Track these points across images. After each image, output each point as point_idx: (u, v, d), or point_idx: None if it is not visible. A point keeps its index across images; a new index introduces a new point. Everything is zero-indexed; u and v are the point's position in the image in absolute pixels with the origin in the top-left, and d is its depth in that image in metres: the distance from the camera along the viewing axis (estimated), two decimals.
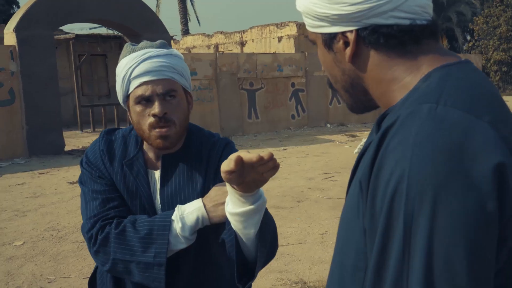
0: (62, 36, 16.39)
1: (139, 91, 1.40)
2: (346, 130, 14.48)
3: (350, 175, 0.84)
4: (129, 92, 1.44)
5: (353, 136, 13.10)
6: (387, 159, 0.71)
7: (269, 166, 1.15)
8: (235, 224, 1.28)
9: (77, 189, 7.34)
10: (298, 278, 3.97)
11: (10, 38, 10.55)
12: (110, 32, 22.28)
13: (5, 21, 20.14)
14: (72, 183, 7.86)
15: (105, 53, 18.53)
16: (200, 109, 13.11)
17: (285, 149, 11.04)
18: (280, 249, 4.61)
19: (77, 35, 16.50)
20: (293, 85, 15.05)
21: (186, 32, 31.15)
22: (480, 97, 0.75)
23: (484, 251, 0.67)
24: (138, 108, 1.42)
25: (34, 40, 10.50)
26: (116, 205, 1.44)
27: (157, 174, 1.50)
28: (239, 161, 1.12)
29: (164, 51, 1.44)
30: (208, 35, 22.89)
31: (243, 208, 1.24)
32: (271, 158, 1.13)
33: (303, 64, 15.14)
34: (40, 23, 10.58)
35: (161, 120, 1.40)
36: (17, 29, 10.36)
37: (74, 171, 8.84)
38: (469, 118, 0.71)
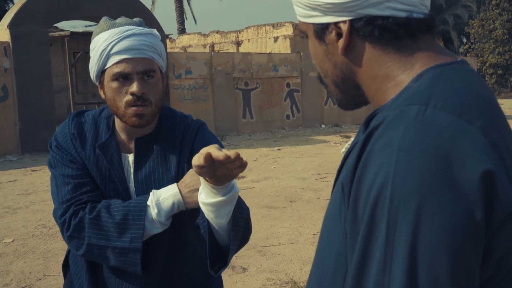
0: (57, 33, 16.32)
1: (118, 68, 1.38)
2: (341, 131, 14.49)
3: (336, 175, 0.81)
4: (105, 67, 1.40)
5: (347, 137, 13.10)
6: (371, 162, 0.68)
7: (236, 165, 1.16)
8: (207, 213, 1.29)
9: None
10: (288, 278, 3.96)
11: (4, 35, 10.50)
12: None
13: (0, 17, 20.04)
14: None
15: None
16: (195, 108, 13.07)
17: (279, 149, 11.03)
18: (271, 249, 4.60)
19: (72, 32, 16.41)
20: (288, 85, 15.04)
21: (182, 31, 31.09)
22: (472, 100, 0.72)
23: (469, 263, 0.64)
24: (115, 84, 1.39)
25: (28, 37, 10.45)
26: (89, 190, 1.43)
27: (131, 157, 1.49)
28: (209, 157, 1.14)
29: (145, 30, 1.42)
30: (204, 34, 22.86)
31: (215, 199, 1.26)
32: (238, 157, 1.15)
33: (299, 65, 15.13)
34: (34, 20, 10.54)
35: (139, 99, 1.38)
36: (11, 26, 10.31)
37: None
38: (459, 123, 0.67)
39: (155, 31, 1.46)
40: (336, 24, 0.80)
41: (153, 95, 1.41)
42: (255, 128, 14.36)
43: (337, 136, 13.25)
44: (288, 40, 18.90)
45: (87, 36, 17.55)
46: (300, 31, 0.91)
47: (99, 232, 1.37)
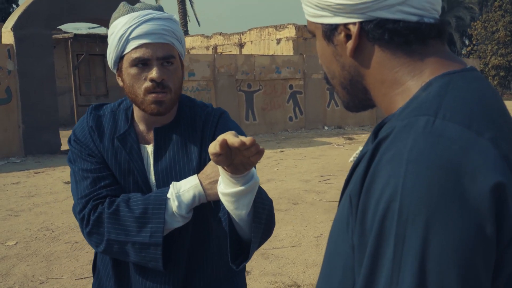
0: (60, 36, 16.36)
1: (137, 53, 1.33)
2: (344, 133, 14.47)
3: (344, 185, 0.79)
4: (124, 53, 1.36)
5: (350, 138, 13.09)
6: (379, 174, 0.67)
7: (252, 152, 1.13)
8: (226, 204, 1.26)
9: None
10: (292, 281, 3.95)
11: (8, 37, 10.52)
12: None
13: (4, 20, 20.10)
14: (67, 182, 7.83)
15: (103, 53, 18.48)
16: None
17: (282, 151, 11.02)
18: (274, 252, 4.59)
19: (75, 34, 16.46)
20: (291, 87, 15.03)
21: (185, 33, 31.14)
22: (482, 110, 0.70)
23: (479, 278, 0.62)
24: (134, 70, 1.35)
25: (32, 39, 10.47)
26: (108, 184, 1.40)
27: (150, 148, 1.45)
28: (224, 144, 1.10)
29: (165, 14, 1.38)
30: (207, 36, 22.88)
31: (234, 188, 1.22)
32: (253, 143, 1.11)
33: (301, 67, 15.13)
34: (38, 22, 10.56)
35: (159, 85, 1.35)
36: (15, 28, 10.34)
37: (70, 171, 8.80)
38: (468, 135, 0.66)
39: (174, 16, 1.41)
40: (345, 25, 0.79)
41: (173, 82, 1.37)
42: (258, 130, 14.35)
43: (340, 138, 13.23)
44: (291, 42, 18.90)
45: (90, 39, 17.62)
46: (308, 31, 0.90)
47: (118, 227, 1.34)
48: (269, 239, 5.13)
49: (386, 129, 0.72)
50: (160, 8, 1.39)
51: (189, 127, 1.45)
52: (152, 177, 1.43)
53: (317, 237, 5.00)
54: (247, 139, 1.10)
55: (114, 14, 1.39)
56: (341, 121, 15.92)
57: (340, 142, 12.46)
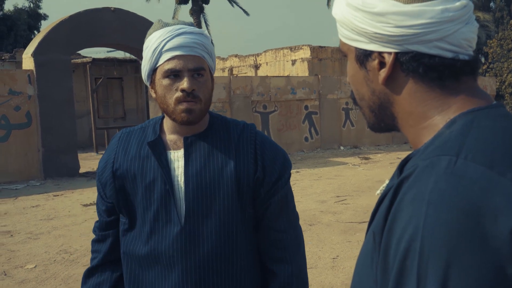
0: (79, 60, 16.70)
1: (170, 65, 1.39)
2: (360, 153, 14.43)
3: (370, 217, 0.80)
4: (157, 65, 1.42)
5: (366, 158, 13.04)
6: (401, 214, 0.68)
7: None
8: None
9: (90, 212, 7.39)
10: None
11: (28, 63, 10.78)
12: (127, 55, 22.62)
13: (25, 46, 20.56)
14: (86, 205, 7.92)
15: (121, 76, 18.79)
16: None
17: (298, 172, 11.02)
18: None
19: (94, 59, 16.79)
20: (306, 107, 15.08)
21: None
22: (505, 149, 0.70)
23: None
24: (166, 81, 1.41)
25: (51, 65, 10.71)
26: (109, 235, 1.58)
27: (180, 153, 1.47)
28: None
29: (197, 29, 1.45)
30: (223, 58, 23.11)
31: None
32: None
33: (317, 87, 15.19)
34: (58, 48, 10.80)
35: (189, 95, 1.40)
36: (35, 54, 10.59)
37: (88, 193, 8.91)
38: (490, 175, 0.66)
39: (206, 32, 1.48)
40: (380, 53, 0.80)
41: (203, 93, 1.42)
42: None
43: (356, 158, 13.19)
44: (306, 63, 19.00)
45: (108, 62, 17.95)
46: (340, 50, 0.90)
47: None
48: None
49: (409, 168, 0.73)
50: (192, 24, 1.46)
51: (221, 138, 1.49)
52: (181, 182, 1.45)
53: (333, 258, 4.98)
54: None
55: (150, 30, 1.46)
56: (357, 141, 15.88)
57: (356, 162, 12.41)
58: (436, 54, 0.76)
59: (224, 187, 1.44)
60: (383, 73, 0.80)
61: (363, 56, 0.82)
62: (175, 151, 1.47)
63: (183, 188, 1.44)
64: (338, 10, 0.84)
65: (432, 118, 0.78)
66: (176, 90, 1.40)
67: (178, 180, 1.45)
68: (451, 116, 0.76)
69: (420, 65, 0.77)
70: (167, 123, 1.50)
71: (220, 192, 1.44)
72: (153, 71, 1.44)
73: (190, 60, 1.40)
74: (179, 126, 1.47)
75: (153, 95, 1.47)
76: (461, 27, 0.77)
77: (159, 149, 1.46)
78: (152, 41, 1.42)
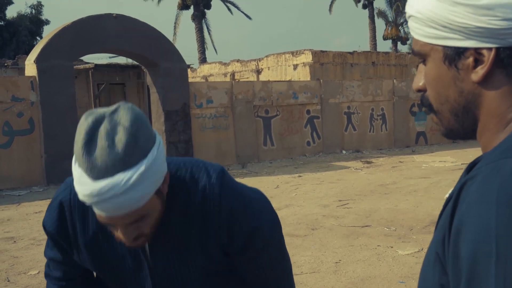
0: (81, 66, 16.76)
1: (100, 218, 1.17)
2: (362, 157, 14.42)
3: (437, 219, 0.79)
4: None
5: (368, 162, 13.03)
6: (468, 214, 0.67)
7: None
8: None
9: None
10: None
11: (31, 69, 10.83)
12: (129, 61, 22.72)
13: (27, 52, 20.66)
14: None
15: (124, 82, 18.85)
16: (216, 136, 13.21)
17: (300, 176, 11.02)
18: None
19: (96, 65, 16.86)
20: (308, 112, 15.10)
21: (203, 60, 31.59)
22: None
23: None
24: (102, 221, 1.21)
25: (54, 71, 10.75)
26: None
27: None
28: None
29: (132, 181, 1.09)
30: (224, 63, 23.18)
31: None
32: None
33: (318, 92, 15.21)
34: (60, 54, 10.85)
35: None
36: (38, 60, 10.64)
37: None
38: None
39: (144, 165, 1.11)
40: (476, 49, 0.74)
41: (147, 228, 1.22)
42: (276, 155, 14.39)
43: (358, 162, 13.19)
44: (307, 68, 19.04)
45: (110, 68, 18.00)
46: (414, 52, 0.82)
47: None
48: None
49: (475, 170, 0.71)
50: (126, 155, 1.08)
51: (183, 219, 1.31)
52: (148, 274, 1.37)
53: (336, 262, 4.97)
54: None
55: (75, 144, 1.12)
56: (359, 145, 15.88)
57: (358, 166, 12.41)
58: None
59: (195, 274, 1.37)
60: (481, 70, 0.74)
61: (455, 55, 0.76)
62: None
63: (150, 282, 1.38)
64: (422, 7, 0.77)
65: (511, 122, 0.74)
66: (116, 231, 1.21)
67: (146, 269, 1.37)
68: None
69: None
70: None
71: (191, 277, 1.38)
72: None
73: (125, 218, 1.15)
74: None
75: None
76: None
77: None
78: (75, 183, 1.13)
